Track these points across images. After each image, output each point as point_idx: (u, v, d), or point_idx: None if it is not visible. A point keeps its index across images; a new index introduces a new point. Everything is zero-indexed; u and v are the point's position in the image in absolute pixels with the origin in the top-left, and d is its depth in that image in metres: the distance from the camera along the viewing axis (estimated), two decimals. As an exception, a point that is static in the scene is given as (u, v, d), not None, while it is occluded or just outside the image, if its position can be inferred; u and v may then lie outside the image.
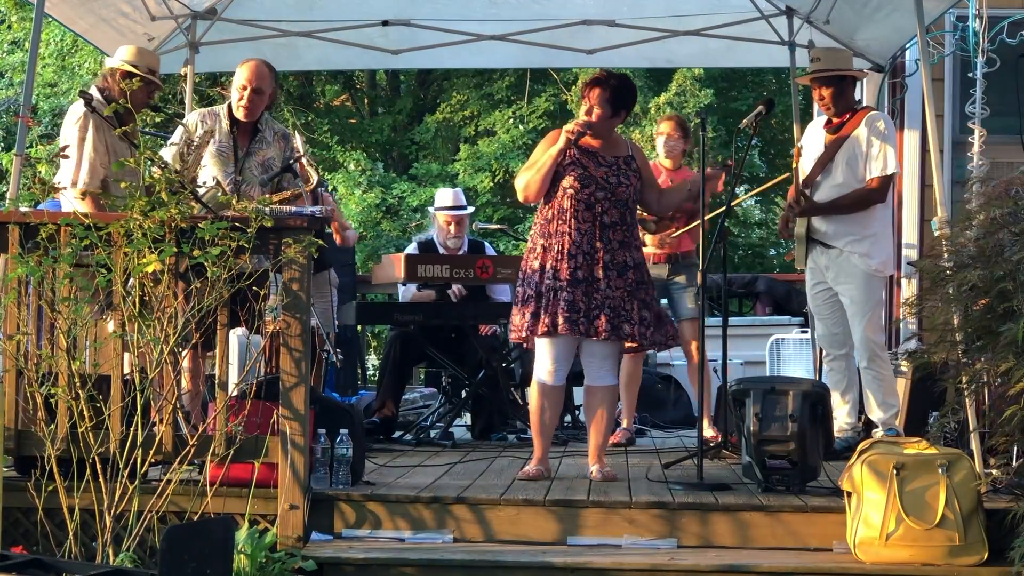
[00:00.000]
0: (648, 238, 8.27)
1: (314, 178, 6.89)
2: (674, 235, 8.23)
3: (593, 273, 6.54)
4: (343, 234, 9.48)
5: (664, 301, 8.45)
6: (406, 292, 9.27)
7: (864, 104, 7.35)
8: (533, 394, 6.71)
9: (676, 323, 8.41)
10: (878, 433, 7.01)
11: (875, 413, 7.14)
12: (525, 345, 6.80)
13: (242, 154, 6.90)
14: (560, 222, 6.61)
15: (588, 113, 6.66)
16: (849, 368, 7.33)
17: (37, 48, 7.18)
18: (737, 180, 7.59)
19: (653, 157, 8.54)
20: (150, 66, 6.93)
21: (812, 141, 7.38)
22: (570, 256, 6.54)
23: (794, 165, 7.36)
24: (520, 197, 6.77)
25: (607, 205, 6.60)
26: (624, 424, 8.31)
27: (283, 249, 5.78)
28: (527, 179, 6.68)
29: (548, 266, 6.57)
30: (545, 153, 6.67)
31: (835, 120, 7.23)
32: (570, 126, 6.63)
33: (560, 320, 6.48)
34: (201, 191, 6.27)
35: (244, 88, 6.87)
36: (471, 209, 9.81)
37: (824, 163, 7.20)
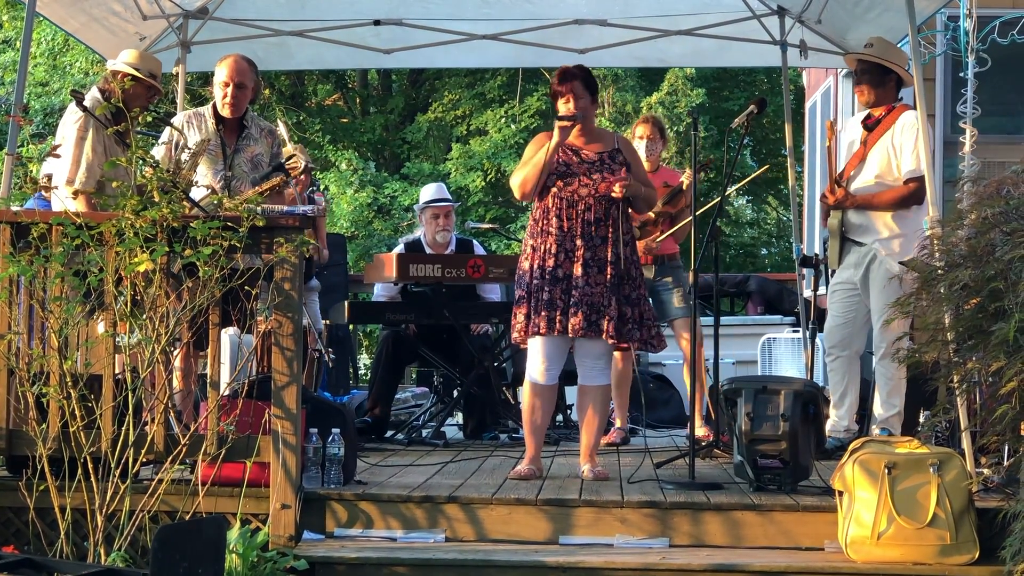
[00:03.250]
0: None
1: (302, 162, 6.88)
2: (659, 239, 8.22)
3: (572, 270, 6.54)
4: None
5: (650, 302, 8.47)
6: (381, 292, 9.29)
7: (903, 102, 7.30)
8: (525, 393, 6.71)
9: (667, 324, 8.43)
10: (874, 430, 7.02)
11: (877, 409, 7.14)
12: (521, 346, 6.79)
13: (230, 151, 6.91)
14: (545, 221, 6.61)
15: (575, 107, 6.64)
16: (851, 370, 7.30)
17: (29, 47, 7.16)
18: (729, 179, 7.59)
19: None
20: (151, 70, 6.93)
21: (849, 134, 7.37)
22: (552, 255, 6.55)
23: (828, 144, 7.31)
24: (517, 195, 6.73)
25: (591, 202, 6.59)
26: (618, 424, 8.32)
27: (275, 248, 5.77)
28: (523, 175, 6.64)
29: (536, 266, 6.58)
30: (539, 150, 6.65)
31: (874, 114, 7.21)
32: (558, 122, 6.59)
33: (540, 319, 6.50)
34: (198, 195, 6.28)
35: (227, 85, 6.89)
36: (458, 204, 9.82)
37: (860, 158, 7.18)
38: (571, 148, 6.66)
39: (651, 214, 8.13)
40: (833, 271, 7.43)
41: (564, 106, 6.65)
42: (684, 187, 8.05)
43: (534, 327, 6.52)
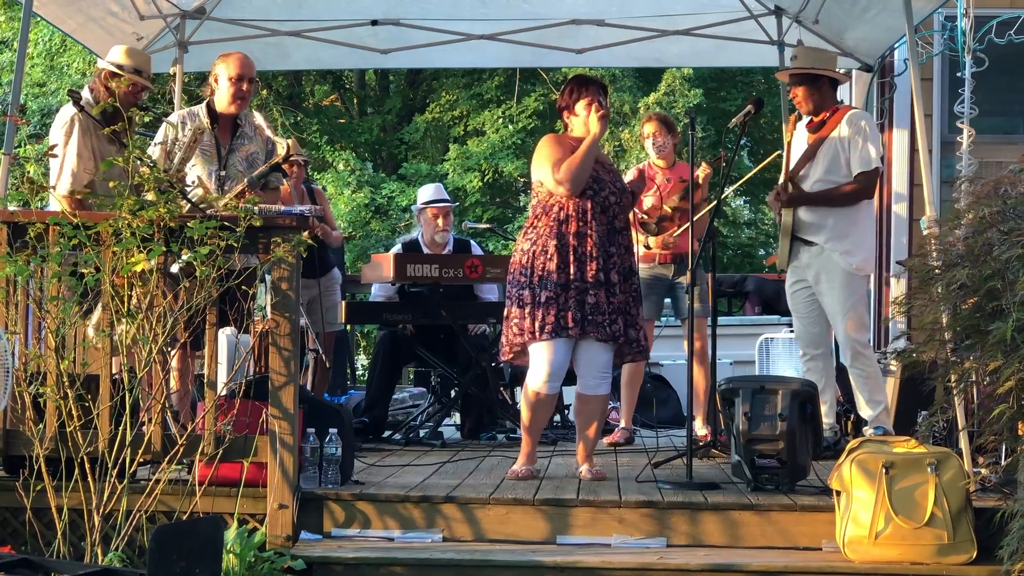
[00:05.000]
0: (651, 240, 8.28)
1: (281, 151, 6.83)
2: (675, 234, 8.22)
3: (609, 277, 6.50)
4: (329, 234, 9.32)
5: (668, 300, 8.48)
6: (378, 292, 9.30)
7: (847, 103, 7.34)
8: (525, 401, 6.63)
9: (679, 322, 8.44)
10: (867, 431, 7.03)
11: (864, 411, 7.15)
12: (518, 358, 6.69)
13: (225, 151, 6.88)
14: (581, 223, 6.49)
15: (596, 104, 6.61)
16: (826, 368, 7.34)
17: (25, 47, 7.16)
18: (726, 179, 7.58)
19: (644, 159, 8.56)
20: (138, 66, 6.90)
21: (799, 138, 7.39)
22: (592, 258, 6.46)
23: (787, 139, 7.34)
24: (568, 189, 6.46)
25: (617, 210, 6.58)
26: (623, 423, 8.32)
27: (272, 248, 5.77)
28: (573, 168, 6.47)
29: (573, 269, 6.45)
30: (564, 150, 6.55)
31: (814, 119, 7.24)
32: (599, 111, 6.55)
33: (586, 323, 6.41)
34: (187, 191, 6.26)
35: (240, 79, 6.83)
36: (455, 204, 9.84)
37: (807, 160, 7.20)
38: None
39: (667, 209, 8.14)
40: (783, 271, 7.46)
41: (592, 108, 6.58)
42: (700, 181, 8.03)
43: (563, 327, 6.40)
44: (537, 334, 6.44)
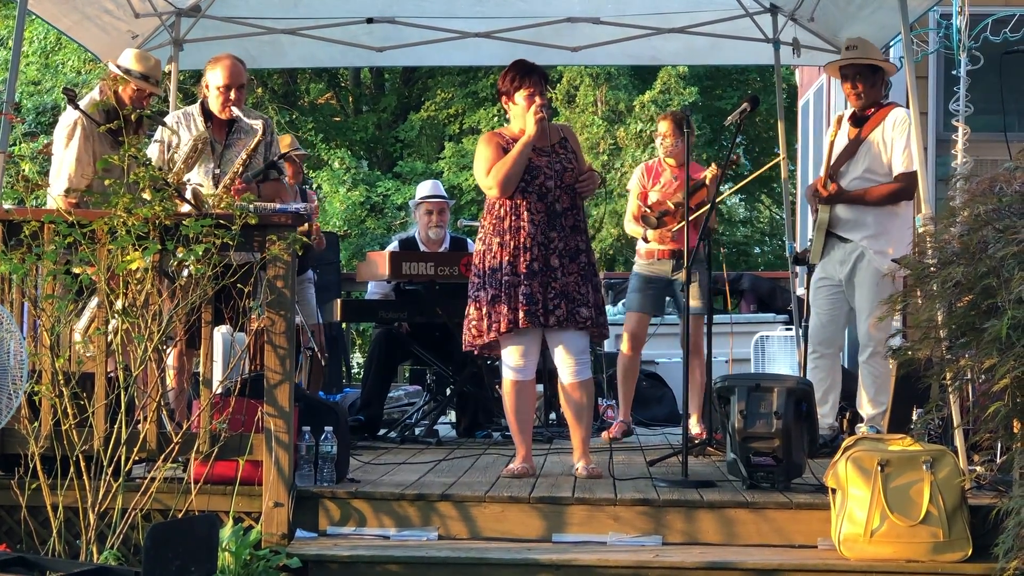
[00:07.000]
0: (651, 233, 8.26)
1: (258, 126, 6.79)
2: (674, 229, 8.20)
3: (549, 263, 6.53)
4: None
5: (668, 299, 8.47)
6: (374, 290, 9.30)
7: (890, 100, 7.32)
8: (506, 393, 6.66)
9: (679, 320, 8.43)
10: (862, 428, 7.03)
11: (865, 408, 7.14)
12: (484, 351, 6.75)
13: (220, 148, 6.88)
14: (514, 217, 6.57)
15: (537, 96, 6.61)
16: (834, 368, 7.32)
17: (20, 45, 7.15)
18: (723, 177, 7.58)
19: (640, 156, 8.56)
20: (146, 72, 6.91)
21: (840, 132, 7.36)
22: (526, 249, 6.51)
23: (831, 138, 7.28)
24: (497, 193, 6.59)
25: (558, 193, 6.59)
26: (621, 416, 8.32)
27: (267, 246, 5.77)
28: (505, 174, 6.55)
29: (506, 262, 6.53)
30: (496, 151, 6.61)
31: (859, 113, 7.21)
32: (537, 115, 6.56)
33: (520, 314, 6.46)
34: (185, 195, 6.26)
35: (227, 88, 6.83)
36: (452, 201, 9.83)
37: (849, 155, 7.18)
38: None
39: (671, 205, 8.13)
40: (813, 266, 7.43)
41: (531, 100, 6.60)
42: (707, 182, 8.02)
43: (509, 322, 6.47)
44: (487, 333, 6.55)
